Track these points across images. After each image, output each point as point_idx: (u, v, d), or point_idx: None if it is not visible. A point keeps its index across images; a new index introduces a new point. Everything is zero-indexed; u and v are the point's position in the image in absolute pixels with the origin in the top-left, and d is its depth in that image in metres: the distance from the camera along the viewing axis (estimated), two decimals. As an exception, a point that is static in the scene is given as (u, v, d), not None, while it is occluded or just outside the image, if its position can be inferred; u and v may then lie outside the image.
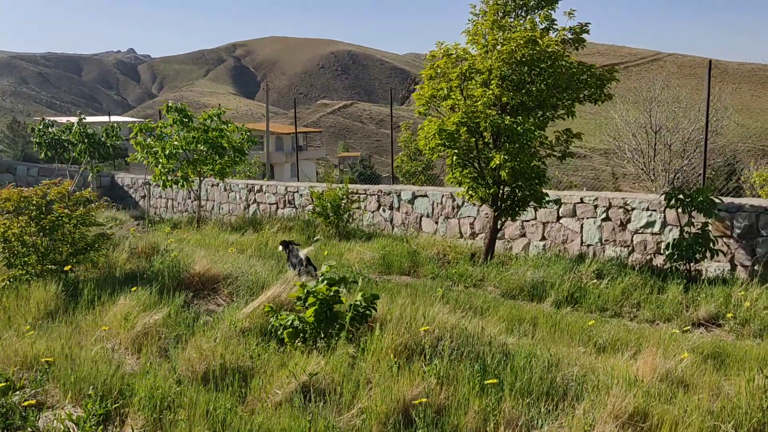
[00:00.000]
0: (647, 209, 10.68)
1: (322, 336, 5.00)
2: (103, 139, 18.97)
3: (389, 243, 12.04)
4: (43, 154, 18.93)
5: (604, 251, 11.21)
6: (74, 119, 19.63)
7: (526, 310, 8.07)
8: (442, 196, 13.68)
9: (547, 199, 10.85)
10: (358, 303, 5.05)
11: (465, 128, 10.05)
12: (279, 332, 5.17)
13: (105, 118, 23.96)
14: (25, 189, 6.85)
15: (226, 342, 5.00)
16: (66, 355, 4.40)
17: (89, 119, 25.10)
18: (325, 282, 5.08)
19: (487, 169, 10.51)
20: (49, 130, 18.65)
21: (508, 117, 10.00)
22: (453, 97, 10.27)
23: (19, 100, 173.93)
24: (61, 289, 6.17)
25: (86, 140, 18.30)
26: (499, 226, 11.24)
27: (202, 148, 14.68)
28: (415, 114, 11.13)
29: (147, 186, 21.44)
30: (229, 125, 15.28)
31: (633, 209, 10.85)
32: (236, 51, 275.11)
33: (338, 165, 72.33)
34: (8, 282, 6.50)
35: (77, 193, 18.19)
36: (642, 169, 24.69)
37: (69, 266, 6.46)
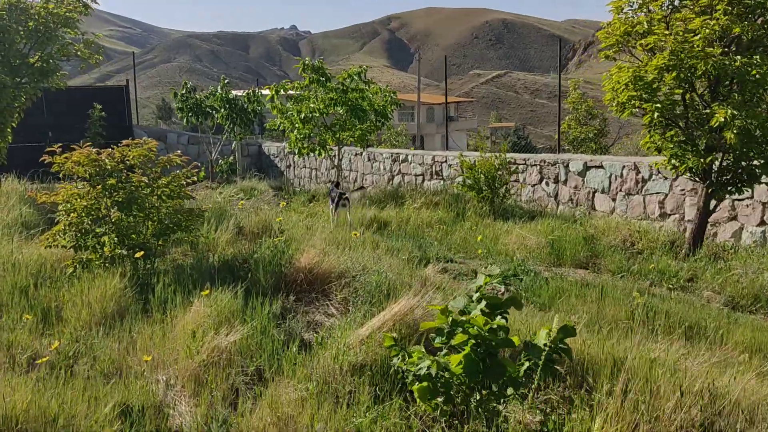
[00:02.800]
0: None
1: (479, 397, 2.94)
2: (246, 105, 18.08)
3: (557, 225, 9.66)
4: (185, 120, 18.42)
5: None
6: (239, 91, 19.00)
7: (774, 335, 5.47)
8: (623, 167, 10.97)
9: (788, 172, 7.87)
10: (541, 345, 2.91)
11: (673, 74, 7.38)
12: (407, 379, 3.19)
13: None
14: (95, 150, 5.39)
15: (322, 391, 3.11)
16: (53, 419, 2.69)
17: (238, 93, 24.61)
18: (483, 304, 2.98)
19: (701, 130, 7.76)
20: (192, 95, 18.02)
21: (740, 57, 7.18)
22: (657, 32, 7.59)
23: (193, 76, 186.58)
24: (126, 283, 4.63)
25: (227, 105, 17.46)
26: (711, 207, 8.45)
27: (340, 110, 13.02)
28: (600, 58, 8.55)
29: (291, 155, 20.44)
30: (371, 86, 13.51)
31: None
32: (391, 24, 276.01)
33: (490, 136, 69.17)
34: (75, 268, 5.08)
35: (221, 161, 17.06)
36: None
37: (141, 252, 4.91)
